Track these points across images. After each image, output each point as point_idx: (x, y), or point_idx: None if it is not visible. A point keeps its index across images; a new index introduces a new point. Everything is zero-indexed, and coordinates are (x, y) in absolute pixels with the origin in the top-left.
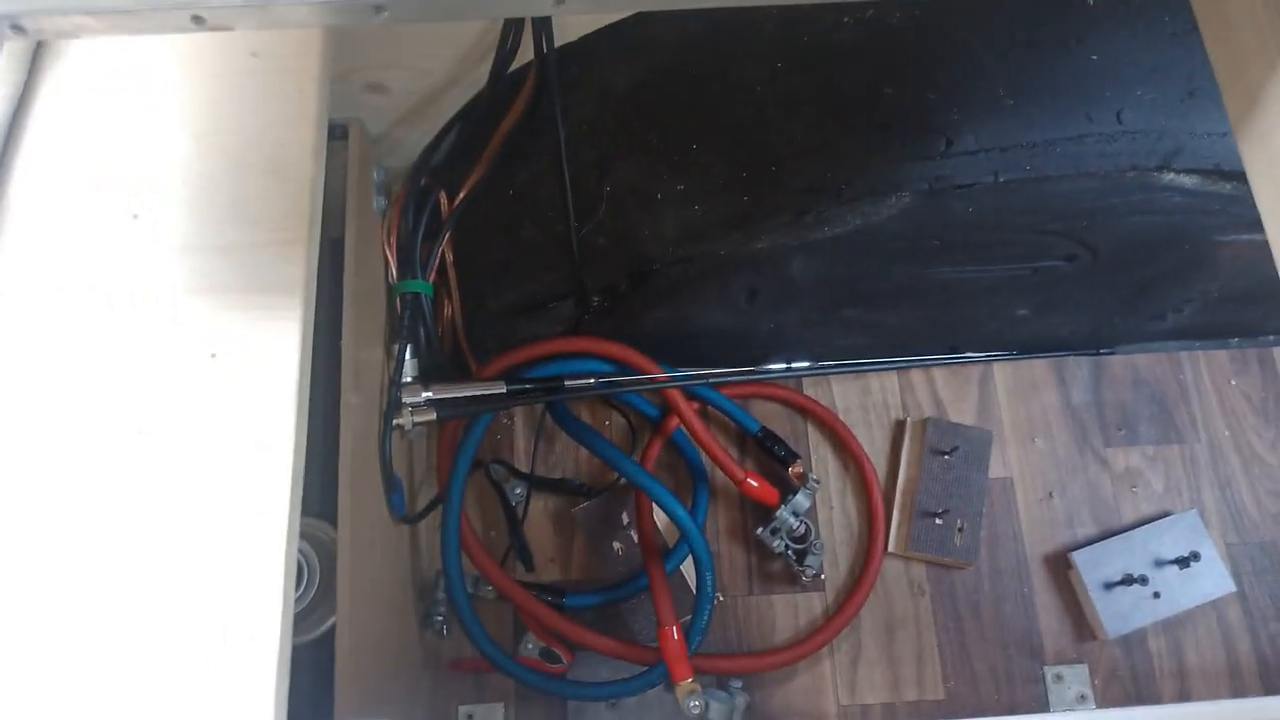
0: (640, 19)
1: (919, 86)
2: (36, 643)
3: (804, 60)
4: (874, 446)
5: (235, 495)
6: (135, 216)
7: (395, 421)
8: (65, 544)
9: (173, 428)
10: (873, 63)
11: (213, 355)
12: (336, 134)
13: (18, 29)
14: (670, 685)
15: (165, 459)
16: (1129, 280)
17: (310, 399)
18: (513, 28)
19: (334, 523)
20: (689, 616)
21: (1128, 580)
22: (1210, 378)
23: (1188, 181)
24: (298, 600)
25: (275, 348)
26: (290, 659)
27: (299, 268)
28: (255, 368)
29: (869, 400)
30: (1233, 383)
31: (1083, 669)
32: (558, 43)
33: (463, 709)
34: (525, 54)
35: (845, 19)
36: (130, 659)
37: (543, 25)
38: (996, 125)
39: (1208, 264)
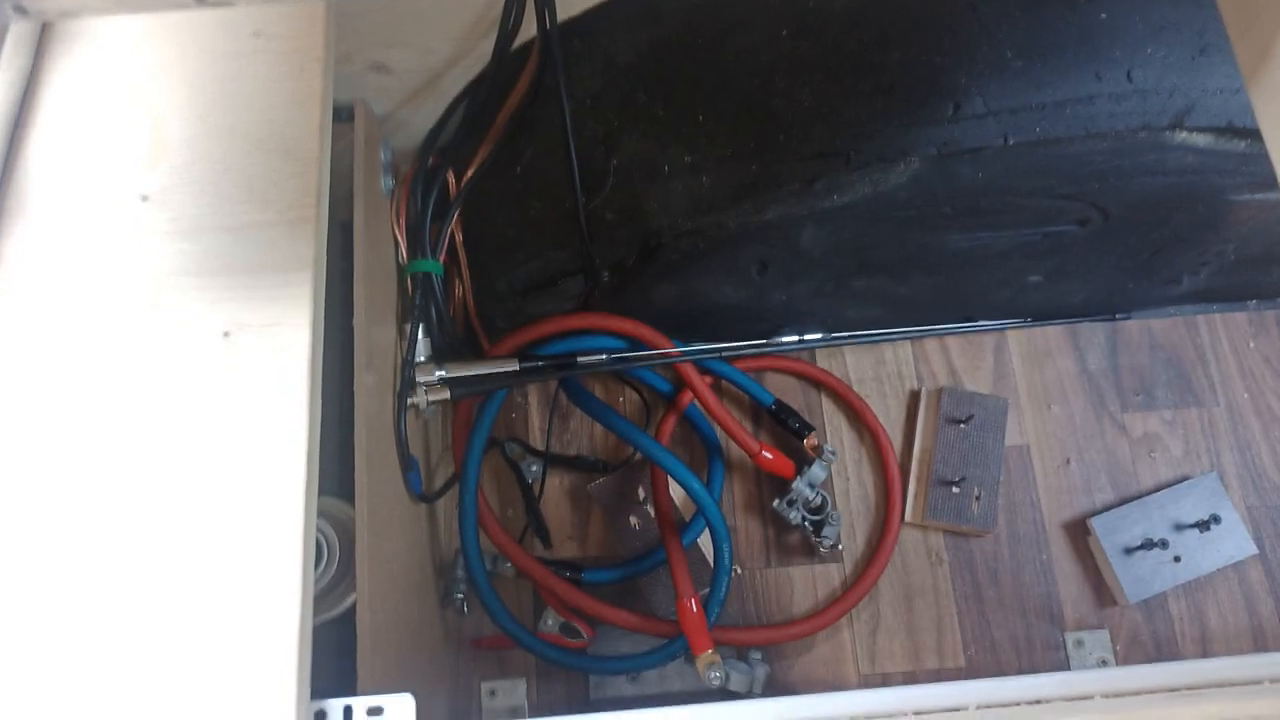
0: None
1: (925, 50)
2: (59, 624)
3: (808, 26)
4: (889, 417)
5: (252, 471)
6: (145, 198)
7: (409, 401)
8: (85, 525)
9: (188, 406)
10: (878, 27)
11: (225, 334)
12: (343, 115)
13: (20, 10)
14: (690, 657)
15: (181, 437)
16: (1142, 243)
17: (324, 379)
18: (515, 2)
19: (352, 502)
20: (707, 589)
21: (1147, 545)
22: (1228, 340)
23: (1200, 140)
24: (318, 579)
25: (287, 324)
26: (311, 636)
27: (309, 245)
28: (268, 344)
29: (883, 371)
30: (1251, 345)
31: (1104, 634)
32: (560, 17)
33: (485, 685)
34: (528, 30)
35: None
36: (151, 639)
37: (545, 0)
38: (1004, 87)
39: (1222, 225)
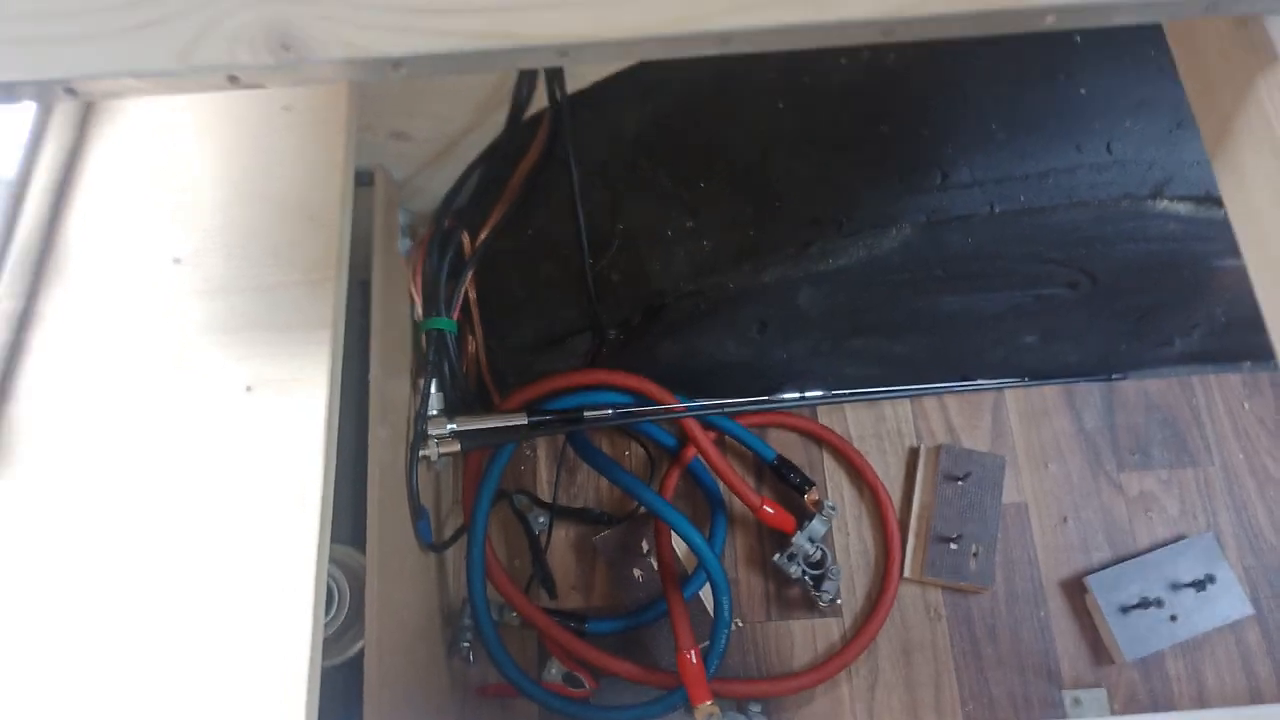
0: (648, 65)
1: (914, 123)
2: (73, 668)
3: (804, 100)
4: (888, 474)
5: (269, 519)
6: (177, 261)
7: (421, 453)
8: (106, 568)
9: (211, 456)
10: (870, 101)
11: (248, 388)
12: (363, 180)
13: (70, 91)
14: (690, 709)
15: (204, 484)
16: (1132, 306)
17: (340, 431)
18: (527, 77)
19: (364, 550)
20: (708, 642)
21: (1144, 603)
22: (1223, 401)
23: (1181, 209)
24: (328, 624)
25: (306, 380)
26: (319, 680)
27: (328, 305)
28: (288, 399)
29: (883, 428)
30: (1245, 406)
31: (1101, 693)
32: (570, 89)
33: None
34: (540, 101)
35: (843, 60)
36: (168, 677)
37: (555, 74)
38: (989, 158)
39: (1208, 289)
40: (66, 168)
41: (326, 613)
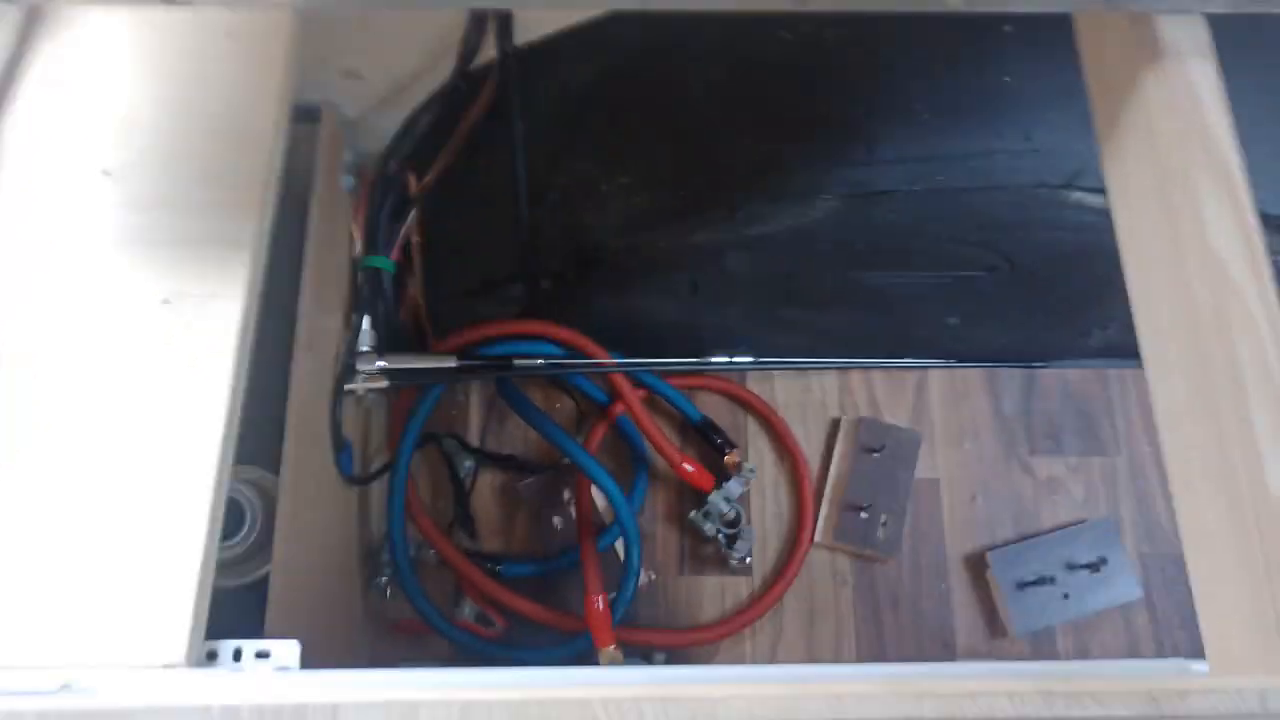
0: (597, 23)
1: (844, 98)
2: None
3: (743, 69)
4: (810, 443)
5: (177, 426)
6: (106, 173)
7: (348, 386)
8: (13, 466)
9: (125, 364)
10: (805, 74)
11: (165, 301)
12: (312, 116)
13: None
14: (595, 653)
15: (118, 389)
16: (1050, 295)
17: (267, 359)
18: (476, 24)
19: None
20: (618, 590)
21: (1039, 581)
22: (1136, 395)
23: (1094, 201)
24: (238, 542)
25: (223, 295)
26: (211, 583)
27: (252, 224)
28: (203, 313)
29: (809, 398)
30: None
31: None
32: (520, 42)
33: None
34: (491, 51)
35: (783, 34)
36: (64, 565)
37: (504, 25)
38: (913, 137)
39: (1123, 284)
40: (4, 75)
41: (237, 531)
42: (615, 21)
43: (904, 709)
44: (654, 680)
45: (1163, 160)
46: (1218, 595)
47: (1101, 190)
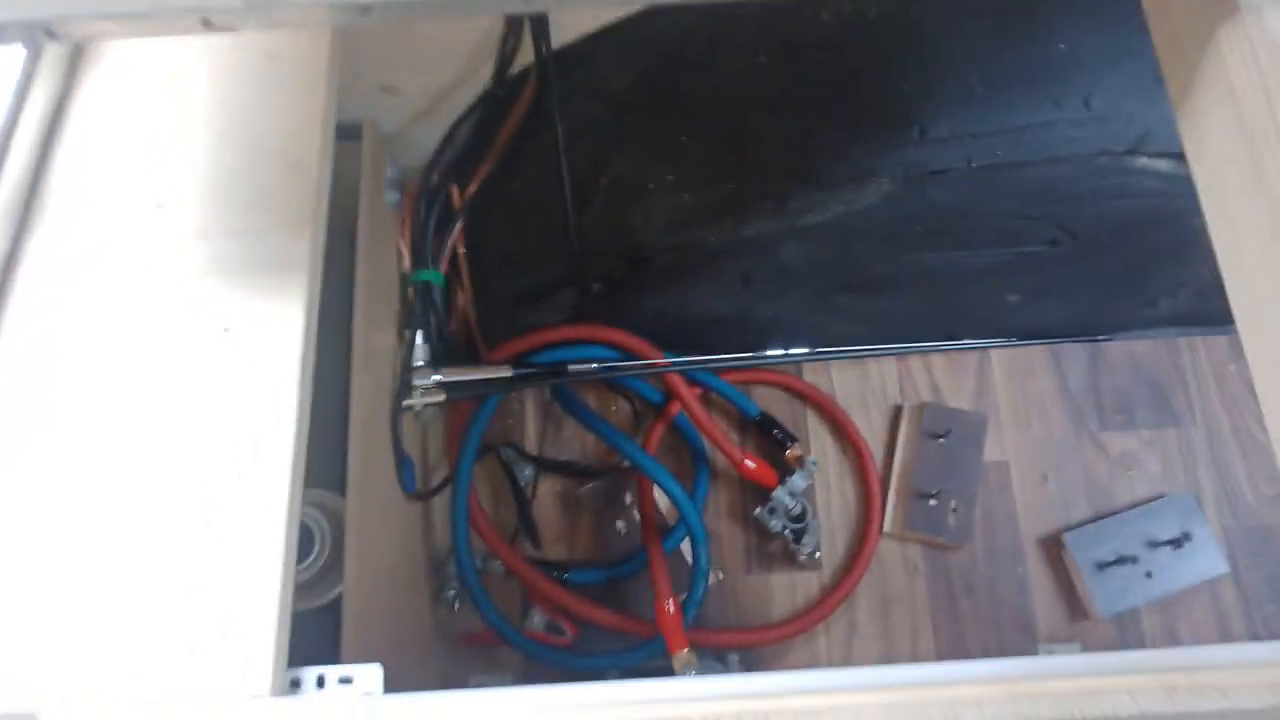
0: (633, 21)
1: (893, 77)
2: (47, 599)
3: (785, 56)
4: (871, 431)
5: (246, 453)
6: (159, 205)
7: (405, 402)
8: (87, 502)
9: (190, 393)
10: (850, 55)
11: (226, 329)
12: (353, 133)
13: (51, 34)
14: (668, 656)
15: (184, 420)
16: (1115, 264)
17: (325, 380)
18: (513, 30)
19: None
20: (687, 592)
21: (1120, 560)
22: (1209, 363)
23: (1162, 165)
24: (309, 565)
25: (282, 320)
26: (291, 608)
27: (305, 249)
28: (264, 339)
29: (867, 386)
30: (1231, 368)
31: (1075, 647)
32: (557, 44)
33: (473, 680)
34: (528, 55)
35: (824, 14)
36: (145, 602)
37: (540, 28)
38: (967, 113)
39: (1193, 249)
40: (53, 113)
41: (307, 555)
42: (651, 18)
43: (1019, 711)
44: (749, 692)
45: (1246, 120)
46: None
47: (1168, 155)
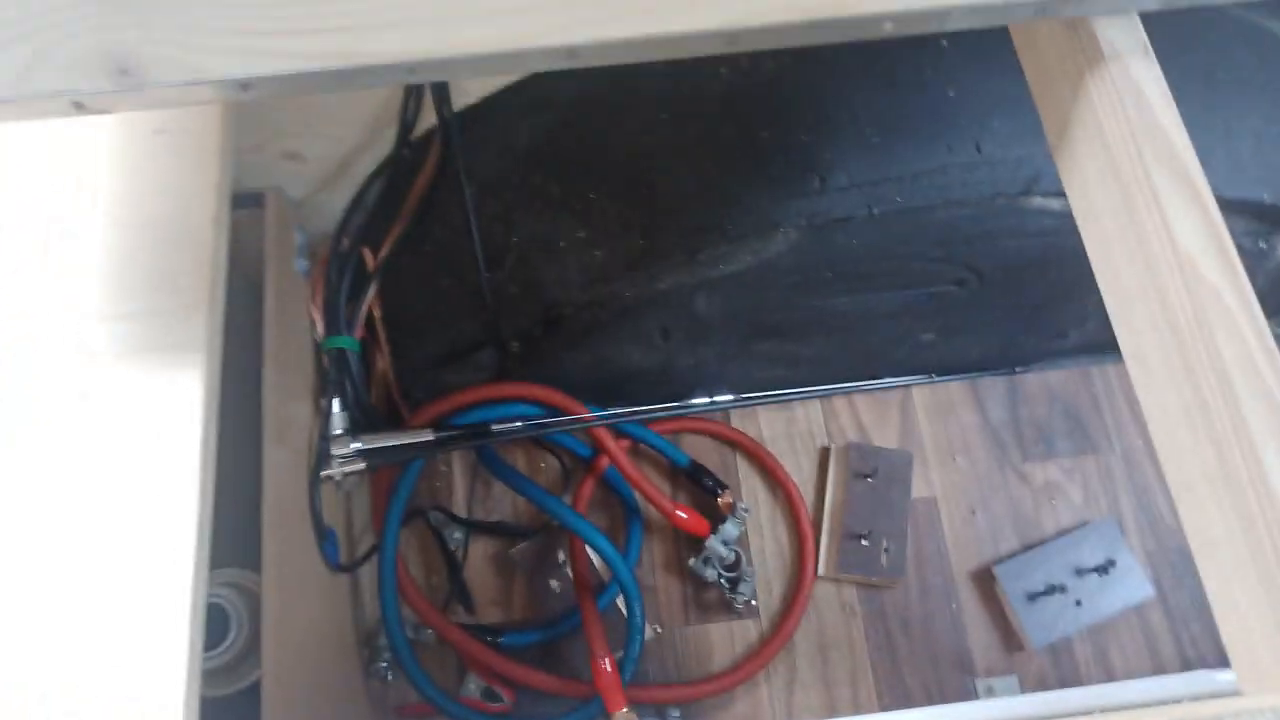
0: (535, 79)
1: (791, 128)
2: None
3: (687, 110)
4: (801, 474)
5: (144, 543)
6: (47, 290)
7: (324, 472)
8: None
9: (82, 482)
10: (749, 109)
11: (122, 411)
12: (256, 202)
13: None
14: (607, 717)
15: (76, 512)
16: (1022, 300)
17: (236, 455)
18: (413, 94)
19: None
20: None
21: (1050, 590)
22: (1121, 389)
23: (1054, 204)
24: (225, 649)
25: (181, 399)
26: (205, 702)
27: (201, 326)
28: (161, 422)
29: (794, 429)
30: None
31: (1013, 679)
32: (459, 105)
33: None
34: (431, 117)
35: (723, 70)
36: (37, 697)
37: (440, 91)
38: (865, 162)
39: (1092, 281)
40: None
41: (223, 639)
42: (552, 76)
43: None
44: None
45: (1118, 165)
46: (1237, 603)
47: (1059, 194)
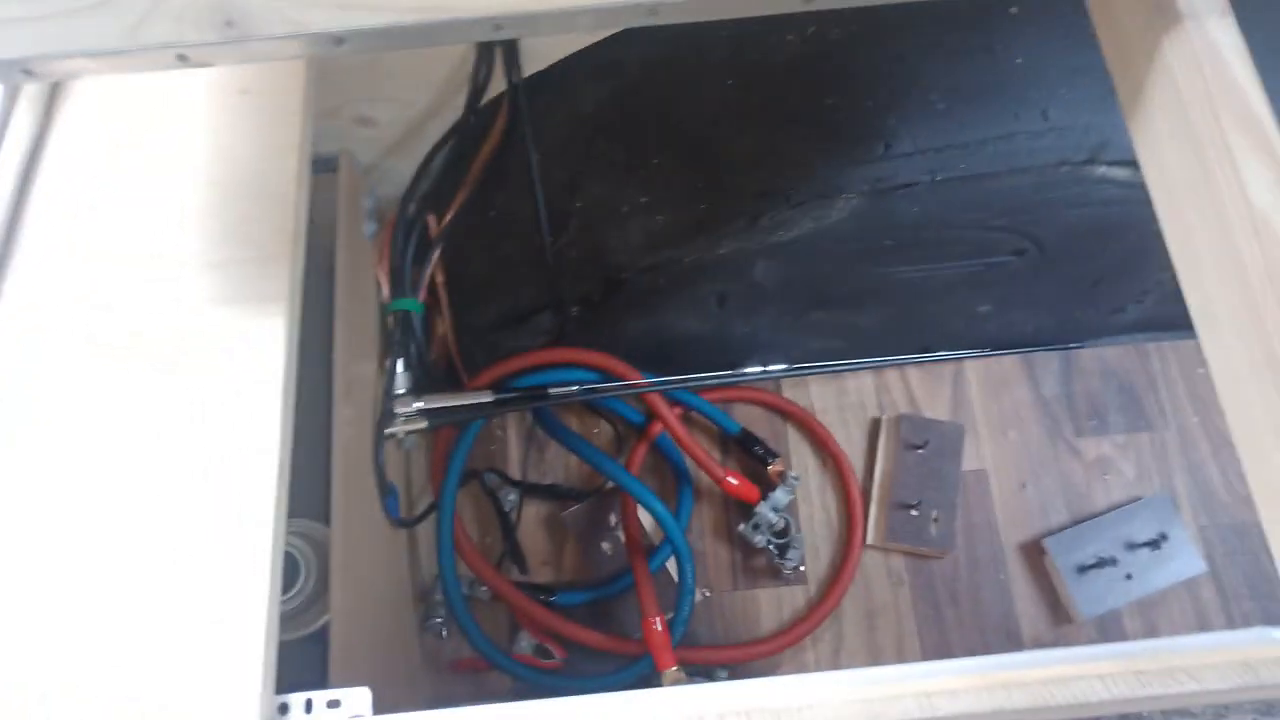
0: (603, 45)
1: (857, 95)
2: (45, 619)
3: (752, 77)
4: (851, 444)
5: (229, 485)
6: (134, 240)
7: (387, 431)
8: (60, 545)
9: (171, 428)
10: (814, 76)
11: (207, 360)
12: (329, 166)
13: (27, 73)
14: (657, 675)
15: (164, 459)
16: (1081, 273)
17: (307, 412)
18: (484, 59)
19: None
20: (674, 611)
21: (1100, 563)
22: (1179, 366)
23: (1119, 173)
24: (295, 595)
25: (263, 349)
26: (278, 635)
27: (284, 280)
28: (245, 368)
29: (845, 401)
30: (1200, 371)
31: None
32: (528, 71)
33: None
34: (500, 83)
35: (789, 37)
36: (128, 633)
37: (511, 56)
38: (930, 128)
39: (1154, 255)
40: (30, 152)
41: (293, 584)
42: (620, 42)
43: (995, 701)
44: (731, 695)
45: (1193, 124)
46: None
47: (1125, 163)
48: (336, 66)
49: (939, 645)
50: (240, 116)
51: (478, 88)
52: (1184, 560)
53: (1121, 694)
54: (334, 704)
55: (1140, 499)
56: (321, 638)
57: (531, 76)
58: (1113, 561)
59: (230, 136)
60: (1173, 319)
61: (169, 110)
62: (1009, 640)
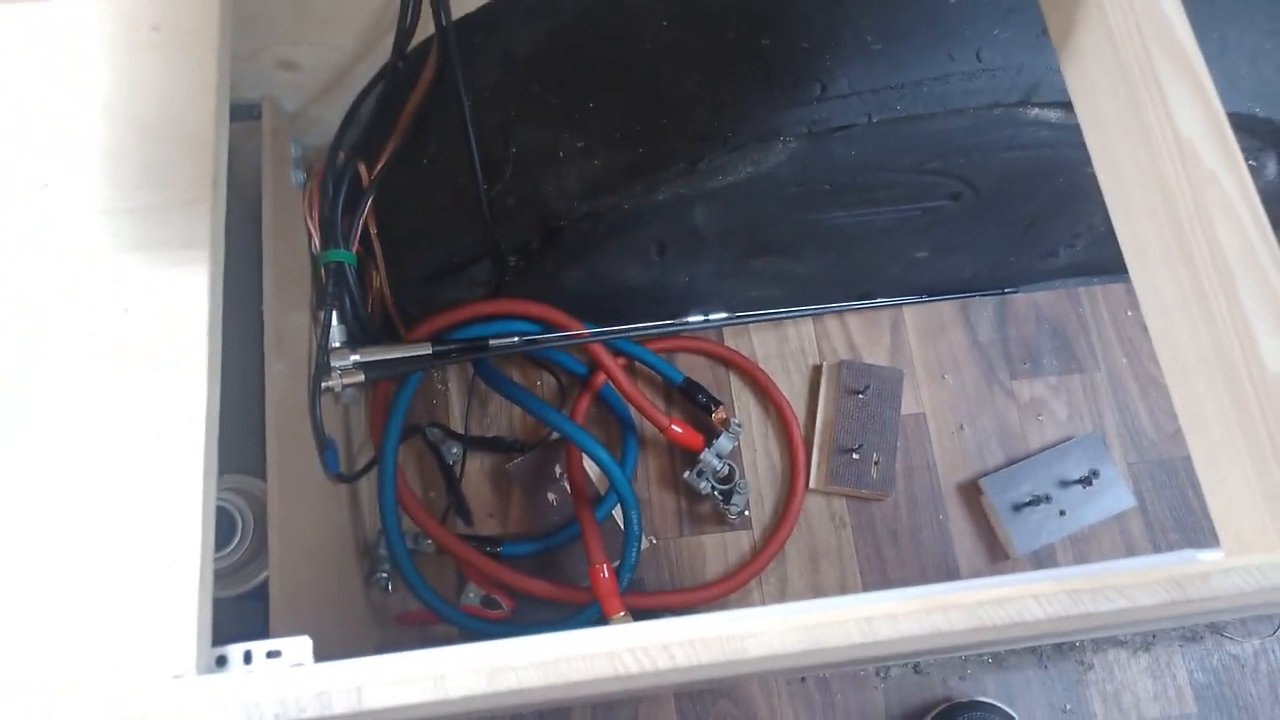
0: None
1: (794, 37)
2: None
3: (688, 16)
4: (793, 391)
5: (155, 440)
6: (45, 185)
7: (324, 384)
8: (3, 488)
9: (90, 379)
10: (751, 16)
11: (125, 310)
12: (253, 113)
13: None
14: (605, 621)
15: (84, 413)
16: (1014, 216)
17: (238, 363)
18: (411, 1)
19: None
20: (620, 558)
21: (1034, 501)
22: (1109, 310)
23: (1051, 115)
24: (233, 551)
25: (186, 298)
26: (212, 586)
27: (204, 225)
28: (167, 317)
29: (786, 348)
30: (1129, 314)
31: None
32: (458, 13)
33: None
34: (429, 26)
35: None
36: (60, 588)
37: None
38: (866, 69)
39: (1085, 198)
40: None
41: (229, 541)
42: None
43: (933, 623)
44: (675, 627)
45: (1122, 55)
46: (1225, 479)
47: (1057, 105)
48: (257, 8)
49: (881, 584)
50: (152, 54)
51: (405, 30)
52: (1114, 496)
53: (1056, 612)
54: (274, 654)
55: (1072, 438)
56: (264, 593)
57: (462, 19)
58: (1046, 499)
59: (143, 76)
60: (1103, 263)
61: (74, 47)
62: (949, 578)
